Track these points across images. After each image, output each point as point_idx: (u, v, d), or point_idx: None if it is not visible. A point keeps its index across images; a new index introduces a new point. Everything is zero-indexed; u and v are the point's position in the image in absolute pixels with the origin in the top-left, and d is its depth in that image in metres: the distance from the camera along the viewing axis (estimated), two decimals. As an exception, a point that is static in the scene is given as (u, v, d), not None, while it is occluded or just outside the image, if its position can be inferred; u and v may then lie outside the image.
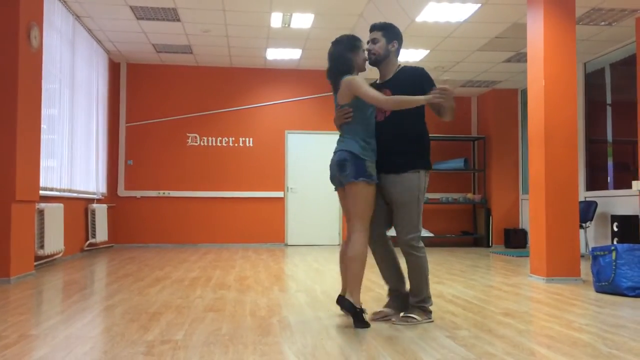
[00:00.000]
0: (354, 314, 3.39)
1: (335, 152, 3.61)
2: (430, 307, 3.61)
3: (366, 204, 3.47)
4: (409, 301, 3.59)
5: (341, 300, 3.47)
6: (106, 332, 3.18)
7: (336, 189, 3.69)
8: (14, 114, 5.24)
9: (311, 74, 10.07)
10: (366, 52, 3.69)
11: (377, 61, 3.69)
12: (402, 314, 3.54)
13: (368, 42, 3.70)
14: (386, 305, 3.72)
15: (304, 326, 3.40)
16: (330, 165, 3.63)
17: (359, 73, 3.68)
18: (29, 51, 5.49)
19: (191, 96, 10.15)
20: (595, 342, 3.00)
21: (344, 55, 3.62)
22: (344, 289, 3.60)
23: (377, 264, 3.79)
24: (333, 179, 3.64)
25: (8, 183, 5.21)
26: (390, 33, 3.69)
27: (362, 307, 3.43)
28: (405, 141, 3.58)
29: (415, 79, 3.60)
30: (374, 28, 3.72)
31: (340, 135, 3.65)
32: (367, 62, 3.71)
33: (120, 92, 9.96)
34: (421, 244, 3.58)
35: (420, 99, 3.46)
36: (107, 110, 9.52)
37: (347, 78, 3.56)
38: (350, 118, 3.55)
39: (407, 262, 3.58)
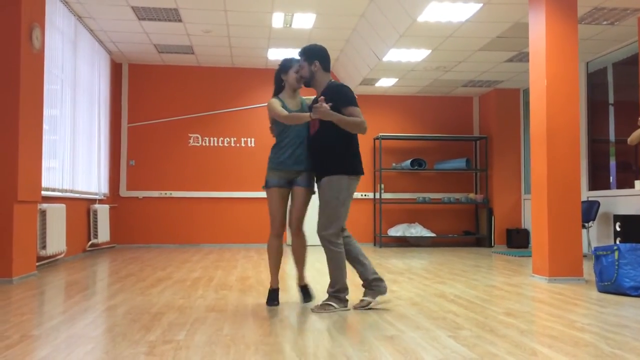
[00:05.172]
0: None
1: None
2: (347, 297, 3.94)
3: (269, 207, 4.13)
4: (327, 290, 3.97)
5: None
6: (108, 332, 3.18)
7: None
8: (15, 115, 5.25)
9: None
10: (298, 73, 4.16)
11: (307, 83, 4.15)
12: (320, 303, 3.93)
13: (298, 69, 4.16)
14: (365, 295, 4.03)
15: (305, 326, 3.40)
16: None
17: (295, 90, 4.20)
18: (30, 52, 5.50)
19: (193, 96, 10.16)
20: (598, 342, 2.99)
21: (277, 77, 4.24)
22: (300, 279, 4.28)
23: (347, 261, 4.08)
24: None
25: (10, 183, 5.21)
26: (309, 55, 4.09)
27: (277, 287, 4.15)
28: (330, 151, 3.97)
29: (333, 95, 3.95)
30: (299, 54, 4.15)
31: None
32: (298, 81, 4.16)
33: (122, 93, 9.97)
34: (339, 240, 3.94)
35: (305, 116, 3.94)
36: (109, 110, 9.54)
37: (269, 100, 4.14)
38: (274, 134, 4.20)
39: (325, 254, 3.96)
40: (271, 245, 4.15)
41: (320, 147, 4.02)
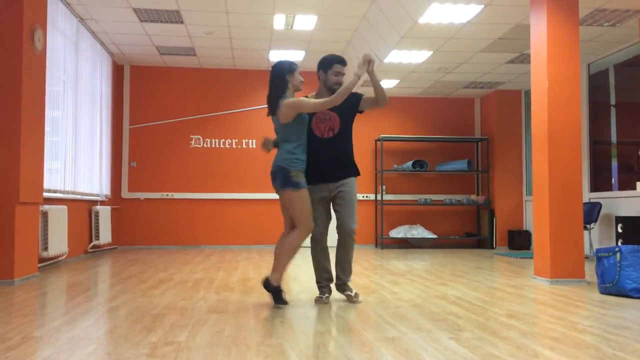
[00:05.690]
0: (273, 292, 4.05)
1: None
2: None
3: (298, 207, 4.05)
4: (345, 280, 4.33)
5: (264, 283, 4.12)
6: (110, 334, 3.18)
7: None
8: (17, 116, 5.26)
9: (314, 75, 10.05)
10: (300, 75, 4.26)
11: (335, 90, 4.29)
12: (353, 295, 4.28)
13: (337, 74, 4.31)
14: (326, 293, 4.34)
15: (306, 327, 3.40)
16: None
17: (295, 92, 4.23)
18: (32, 53, 5.51)
19: (194, 98, 10.18)
20: (599, 344, 2.99)
21: (282, 77, 4.13)
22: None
23: (322, 259, 4.39)
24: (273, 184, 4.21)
25: (12, 185, 5.22)
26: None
27: (281, 287, 4.10)
28: (349, 154, 4.36)
29: (355, 99, 4.36)
30: (343, 62, 4.36)
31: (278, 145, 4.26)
32: (302, 83, 4.25)
33: (123, 94, 9.99)
34: None
35: (351, 81, 4.04)
36: (111, 112, 9.55)
37: (289, 100, 4.05)
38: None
39: (349, 246, 4.30)
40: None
41: (342, 149, 4.31)
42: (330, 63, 4.32)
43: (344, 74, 4.36)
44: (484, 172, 10.71)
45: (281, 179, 4.06)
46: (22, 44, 5.32)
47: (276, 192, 4.19)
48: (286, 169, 4.05)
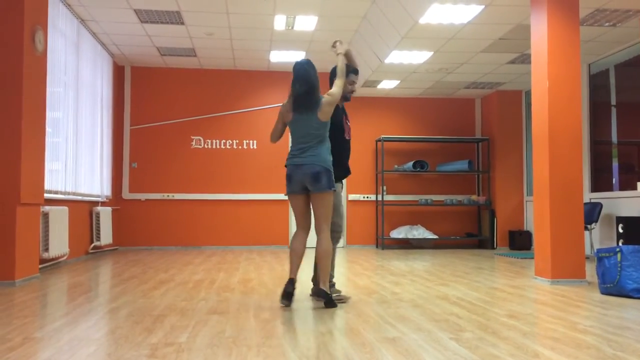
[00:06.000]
0: (327, 299, 4.09)
1: (303, 164, 4.12)
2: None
3: (330, 208, 4.22)
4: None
5: (290, 284, 4.12)
6: (110, 335, 3.18)
7: (291, 193, 4.22)
8: (18, 117, 5.27)
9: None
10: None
11: (349, 97, 4.60)
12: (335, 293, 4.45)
13: (352, 83, 4.53)
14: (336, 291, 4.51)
15: (307, 328, 3.40)
16: (294, 172, 4.15)
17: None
18: (33, 55, 5.52)
19: (195, 99, 10.18)
20: (600, 344, 2.99)
21: (317, 77, 4.24)
22: (293, 273, 4.22)
23: (333, 257, 4.53)
24: (295, 184, 4.16)
25: (13, 186, 5.23)
26: None
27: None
28: None
29: (345, 98, 4.60)
30: (356, 72, 4.59)
31: (303, 144, 4.17)
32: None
33: (124, 95, 10.00)
34: None
35: (341, 62, 4.30)
36: (112, 113, 9.56)
37: (327, 98, 4.16)
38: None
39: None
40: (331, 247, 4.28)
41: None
42: (347, 72, 4.51)
43: (356, 82, 4.64)
44: (485, 172, 10.71)
45: (327, 180, 4.14)
46: (23, 45, 5.32)
47: (301, 191, 4.19)
48: (330, 171, 4.18)
